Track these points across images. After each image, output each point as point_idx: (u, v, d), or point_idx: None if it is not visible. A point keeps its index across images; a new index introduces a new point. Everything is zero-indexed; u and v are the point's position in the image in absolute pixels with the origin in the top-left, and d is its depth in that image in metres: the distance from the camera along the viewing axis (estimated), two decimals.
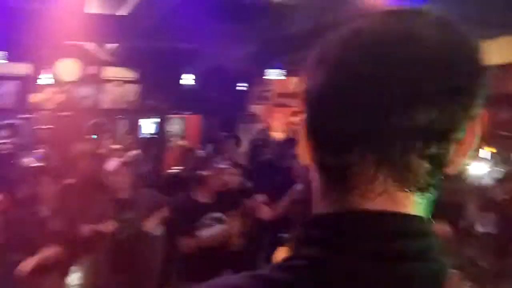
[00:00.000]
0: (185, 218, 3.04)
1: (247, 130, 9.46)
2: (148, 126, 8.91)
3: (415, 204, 0.45)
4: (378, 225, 0.43)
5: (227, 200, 3.20)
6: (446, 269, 0.46)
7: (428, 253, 0.44)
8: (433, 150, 0.43)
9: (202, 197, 3.10)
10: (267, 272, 0.47)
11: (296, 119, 11.25)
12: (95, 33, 5.81)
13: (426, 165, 0.44)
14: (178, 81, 8.60)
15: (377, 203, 0.44)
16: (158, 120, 8.64)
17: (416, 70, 0.43)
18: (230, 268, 3.29)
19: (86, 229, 2.93)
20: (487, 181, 4.89)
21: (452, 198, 5.09)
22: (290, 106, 11.02)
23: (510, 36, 6.54)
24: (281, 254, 1.15)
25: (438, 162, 0.44)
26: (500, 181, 4.76)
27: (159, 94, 8.57)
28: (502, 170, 5.11)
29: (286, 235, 1.18)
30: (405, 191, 0.44)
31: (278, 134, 9.80)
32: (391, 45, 0.44)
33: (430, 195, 0.46)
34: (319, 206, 0.48)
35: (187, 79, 8.68)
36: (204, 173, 3.10)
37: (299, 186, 3.60)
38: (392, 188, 0.44)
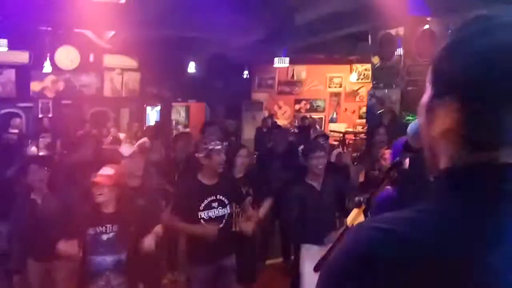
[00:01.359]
0: (192, 200, 3.03)
1: (252, 118, 9.38)
2: (152, 114, 8.80)
3: None
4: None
5: (230, 182, 3.20)
6: None
7: None
8: None
9: (205, 179, 3.08)
10: (437, 207, 0.62)
11: (298, 106, 11.19)
12: (95, 21, 5.65)
13: None
14: (182, 70, 8.45)
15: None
16: (160, 108, 8.51)
17: None
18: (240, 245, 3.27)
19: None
20: None
21: None
22: (292, 94, 10.94)
23: None
24: (355, 216, 1.18)
25: None
26: None
27: (162, 82, 8.43)
28: None
29: (359, 199, 1.16)
30: None
31: (282, 121, 9.72)
32: None
33: None
34: (454, 162, 0.64)
35: (191, 68, 8.55)
36: (198, 155, 3.07)
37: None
38: None
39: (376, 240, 0.60)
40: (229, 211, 3.10)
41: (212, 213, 3.03)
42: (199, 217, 3.00)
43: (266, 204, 3.47)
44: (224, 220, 3.06)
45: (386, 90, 5.95)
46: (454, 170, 0.64)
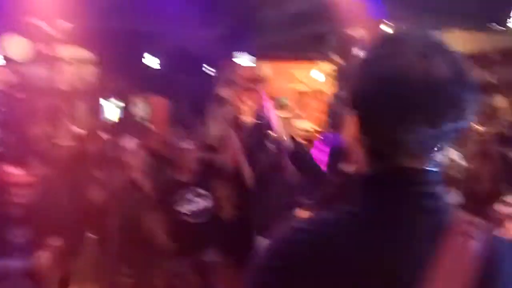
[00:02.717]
0: (168, 196, 3.19)
1: (217, 114, 9.47)
2: (111, 109, 8.71)
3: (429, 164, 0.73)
4: (412, 176, 0.71)
5: (207, 177, 3.36)
6: (449, 208, 0.74)
7: (436, 195, 0.72)
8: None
9: (181, 176, 3.20)
10: (354, 209, 0.73)
11: (265, 103, 11.37)
12: (49, 11, 5.58)
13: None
14: (142, 63, 8.43)
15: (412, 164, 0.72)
16: (122, 103, 8.46)
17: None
18: (222, 239, 3.41)
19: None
20: (445, 160, 5.26)
21: None
22: (258, 91, 11.11)
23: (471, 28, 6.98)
24: (302, 215, 1.32)
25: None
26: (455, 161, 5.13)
27: (121, 76, 8.38)
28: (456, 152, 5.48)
29: (306, 200, 1.32)
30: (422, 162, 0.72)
31: (247, 118, 9.86)
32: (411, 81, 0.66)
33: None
34: (366, 168, 0.74)
35: (151, 61, 8.53)
36: (176, 153, 3.23)
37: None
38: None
39: (298, 240, 0.70)
40: (210, 203, 3.22)
41: (194, 206, 3.16)
42: (178, 211, 3.14)
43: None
44: (205, 212, 3.20)
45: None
46: (367, 174, 0.74)
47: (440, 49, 0.69)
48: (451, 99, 0.67)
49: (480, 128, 8.34)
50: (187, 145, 3.27)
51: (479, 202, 4.63)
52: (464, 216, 0.73)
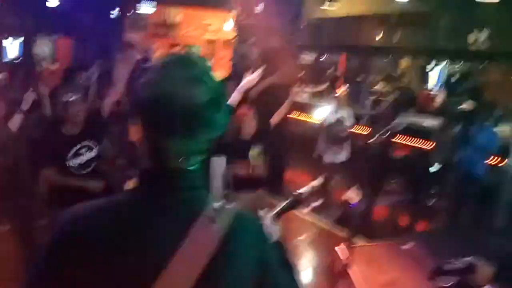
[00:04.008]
0: (53, 152, 3.24)
1: (126, 59, 9.54)
2: (12, 47, 8.49)
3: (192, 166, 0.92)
4: (175, 174, 0.91)
5: (94, 130, 3.44)
6: (205, 197, 0.93)
7: (195, 188, 0.93)
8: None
9: (69, 129, 3.29)
10: (118, 196, 0.94)
11: (176, 49, 11.51)
12: None
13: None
14: (44, 1, 8.29)
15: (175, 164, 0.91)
16: (23, 43, 8.28)
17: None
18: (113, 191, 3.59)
19: None
20: (331, 119, 6.02)
21: (308, 135, 6.29)
22: (168, 37, 11.30)
23: None
24: (131, 184, 1.75)
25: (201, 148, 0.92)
26: (341, 120, 5.95)
27: (21, 12, 8.20)
28: (348, 111, 6.19)
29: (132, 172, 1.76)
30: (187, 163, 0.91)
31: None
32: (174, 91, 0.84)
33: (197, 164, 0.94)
34: (146, 163, 0.93)
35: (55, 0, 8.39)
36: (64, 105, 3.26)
37: None
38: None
39: (71, 222, 0.87)
40: (96, 153, 3.34)
41: (80, 160, 3.29)
42: (68, 166, 3.24)
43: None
44: (93, 164, 3.32)
45: (249, 46, 6.72)
46: (143, 171, 0.91)
47: (202, 78, 0.87)
48: (206, 119, 0.85)
49: (381, 88, 9.18)
50: (74, 97, 3.23)
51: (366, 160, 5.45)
52: (215, 203, 0.91)
